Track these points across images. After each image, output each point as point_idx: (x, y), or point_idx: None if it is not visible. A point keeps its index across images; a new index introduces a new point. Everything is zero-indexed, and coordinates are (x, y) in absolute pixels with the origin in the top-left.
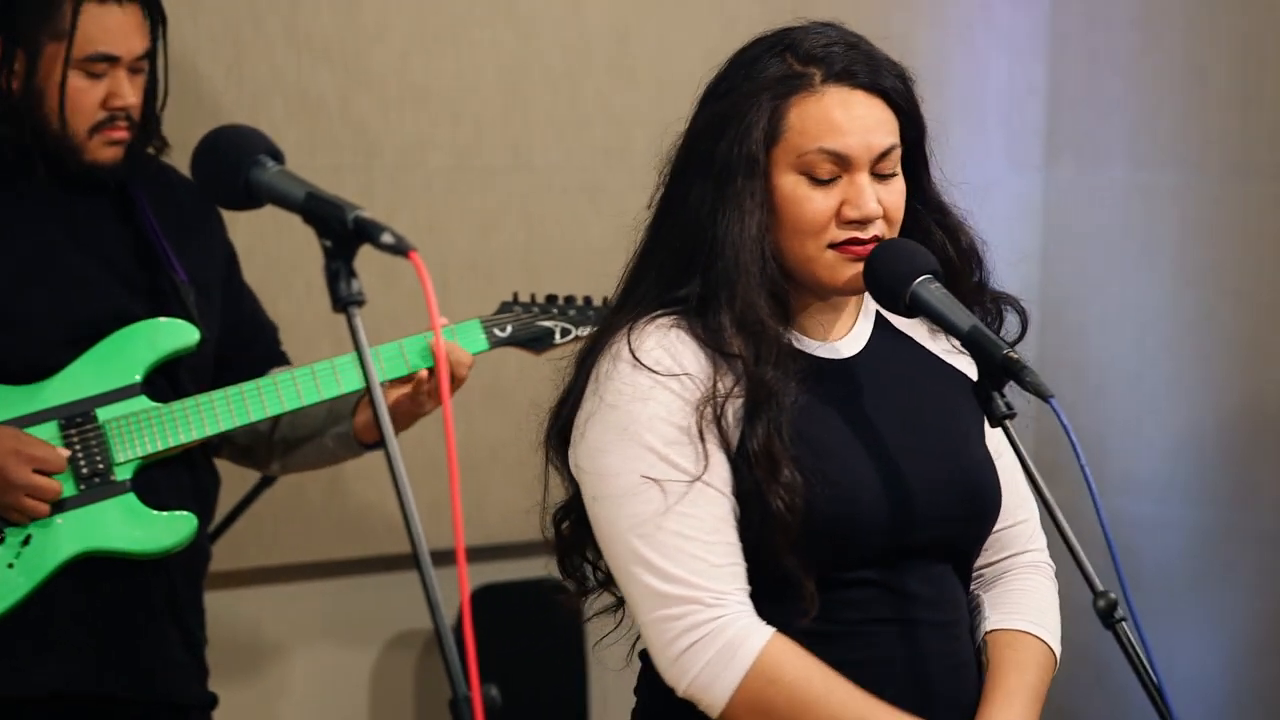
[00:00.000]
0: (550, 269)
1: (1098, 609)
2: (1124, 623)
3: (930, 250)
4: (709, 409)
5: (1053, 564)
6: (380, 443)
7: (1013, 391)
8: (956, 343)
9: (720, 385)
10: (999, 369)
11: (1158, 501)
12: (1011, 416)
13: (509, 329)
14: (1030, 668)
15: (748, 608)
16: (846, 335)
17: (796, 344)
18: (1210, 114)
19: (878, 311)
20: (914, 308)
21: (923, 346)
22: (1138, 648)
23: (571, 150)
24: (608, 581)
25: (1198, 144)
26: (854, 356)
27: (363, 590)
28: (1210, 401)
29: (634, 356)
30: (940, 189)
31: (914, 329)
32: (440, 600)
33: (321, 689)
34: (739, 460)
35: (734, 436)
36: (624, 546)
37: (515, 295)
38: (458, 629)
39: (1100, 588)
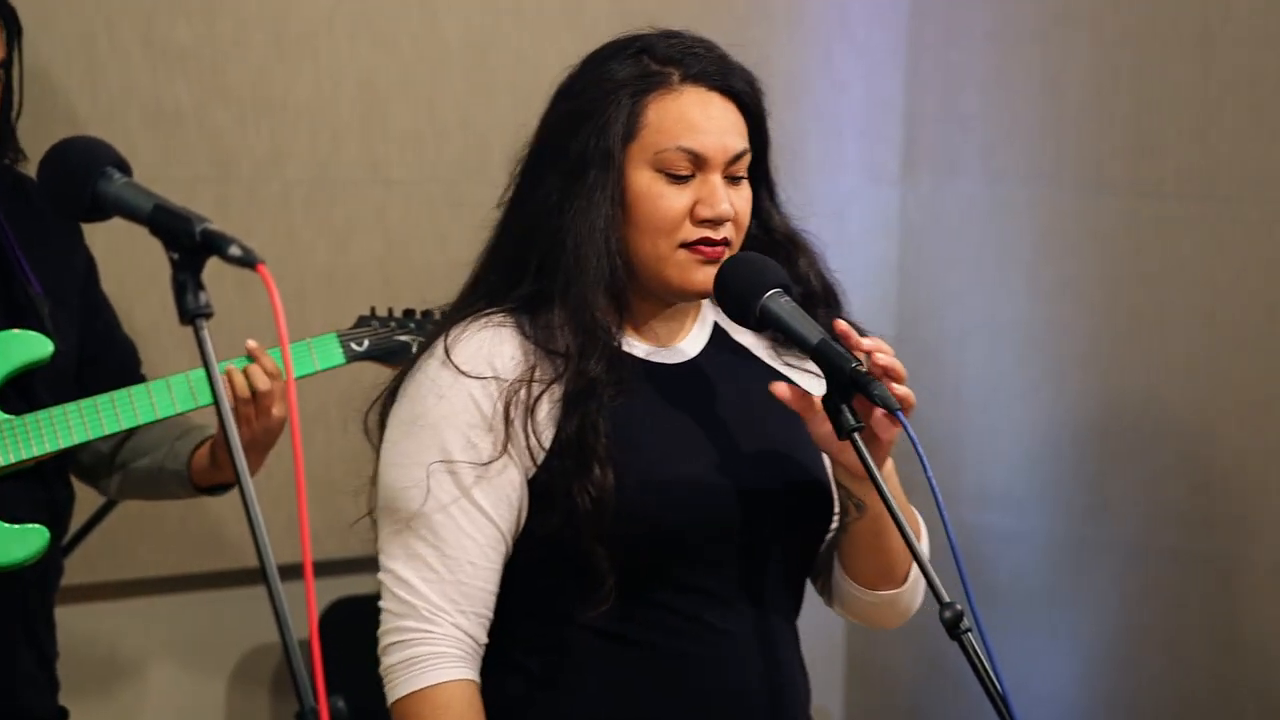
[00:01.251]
0: (409, 282)
1: (944, 620)
2: (969, 633)
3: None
4: (522, 393)
5: None
6: (215, 488)
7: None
8: (796, 359)
9: (538, 374)
10: (848, 382)
11: (1012, 513)
12: (860, 429)
13: (366, 343)
14: None
15: (457, 635)
16: (679, 342)
17: (626, 347)
18: (1064, 129)
19: (715, 323)
20: (764, 321)
21: (761, 360)
22: (982, 657)
23: (430, 163)
24: None
25: (1052, 158)
26: (685, 363)
27: (219, 604)
28: (1064, 414)
29: (446, 352)
30: (778, 206)
31: (754, 343)
32: (288, 612)
33: (177, 702)
34: (551, 454)
35: (546, 433)
36: (382, 533)
37: (372, 310)
38: (310, 642)
39: (946, 599)
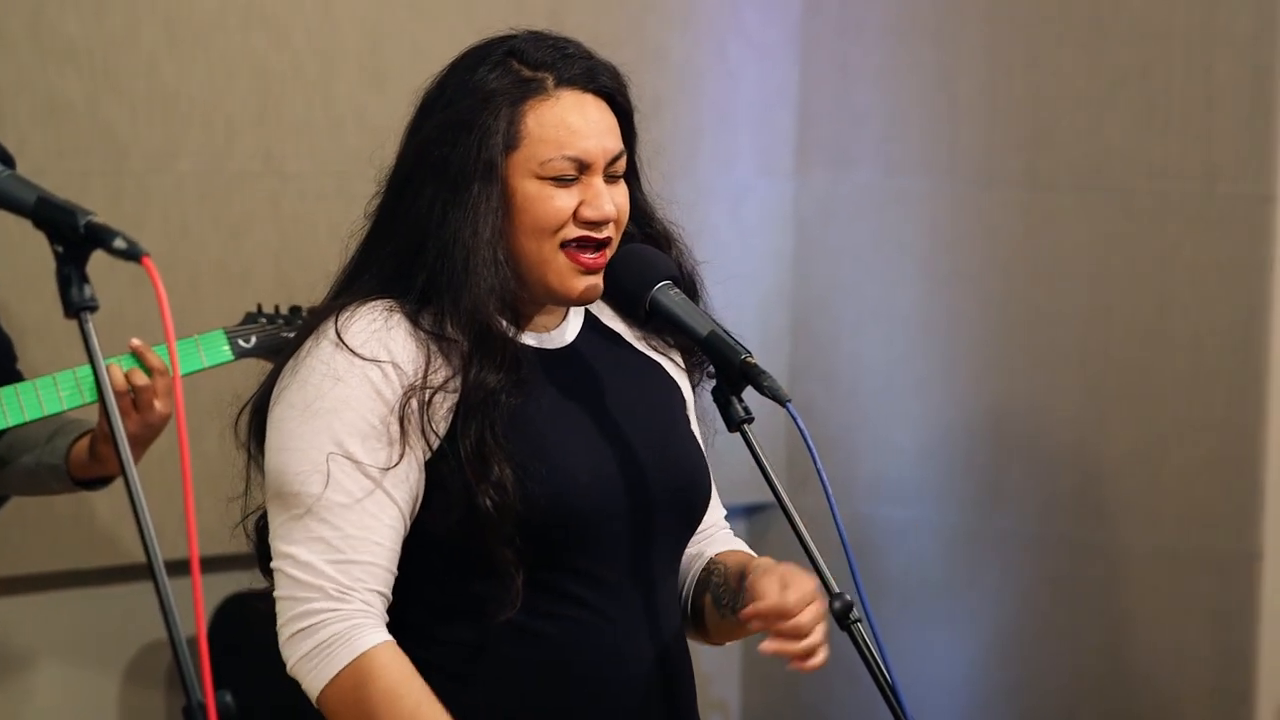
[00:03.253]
0: (303, 275)
1: (833, 610)
2: (859, 624)
3: None
4: (419, 396)
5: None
6: (93, 482)
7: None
8: (662, 345)
9: (432, 377)
10: (738, 374)
11: (906, 505)
12: (749, 421)
13: (254, 339)
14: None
15: (370, 609)
16: (557, 327)
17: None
18: (958, 122)
19: (587, 309)
20: (653, 314)
21: (629, 342)
22: (872, 648)
23: (324, 156)
24: None
25: (946, 151)
26: (565, 348)
27: (112, 600)
28: (957, 406)
29: (338, 335)
30: (651, 201)
31: (624, 329)
32: (174, 605)
33: (69, 698)
34: (447, 448)
35: (442, 426)
36: (277, 519)
37: (259, 306)
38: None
39: (836, 590)
